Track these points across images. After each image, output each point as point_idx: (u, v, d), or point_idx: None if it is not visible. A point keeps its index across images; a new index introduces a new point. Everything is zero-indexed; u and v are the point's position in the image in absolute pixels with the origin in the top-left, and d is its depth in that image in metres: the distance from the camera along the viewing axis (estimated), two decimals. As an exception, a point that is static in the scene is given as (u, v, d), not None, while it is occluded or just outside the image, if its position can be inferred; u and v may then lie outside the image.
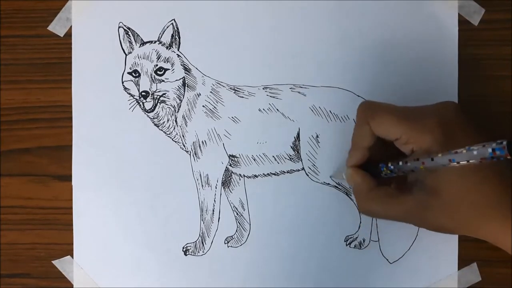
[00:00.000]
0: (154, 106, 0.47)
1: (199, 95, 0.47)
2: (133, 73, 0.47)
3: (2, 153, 0.49)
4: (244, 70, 0.48)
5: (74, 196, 0.48)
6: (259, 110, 0.47)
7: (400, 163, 0.39)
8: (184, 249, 0.48)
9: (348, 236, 0.47)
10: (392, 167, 0.40)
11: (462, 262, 0.47)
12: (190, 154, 0.48)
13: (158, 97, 0.47)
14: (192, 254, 0.48)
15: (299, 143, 0.47)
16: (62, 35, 0.49)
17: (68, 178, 0.49)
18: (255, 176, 0.48)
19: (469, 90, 0.47)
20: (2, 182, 0.49)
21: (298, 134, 0.47)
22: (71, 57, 0.49)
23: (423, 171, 0.38)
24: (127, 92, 0.48)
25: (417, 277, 0.47)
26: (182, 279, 0.48)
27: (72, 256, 0.49)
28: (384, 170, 0.40)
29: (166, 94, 0.47)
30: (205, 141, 0.48)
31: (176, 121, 0.48)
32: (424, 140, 0.38)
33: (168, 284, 0.48)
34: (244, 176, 0.48)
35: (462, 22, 0.47)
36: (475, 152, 0.33)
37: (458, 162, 0.34)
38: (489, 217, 0.37)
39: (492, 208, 0.37)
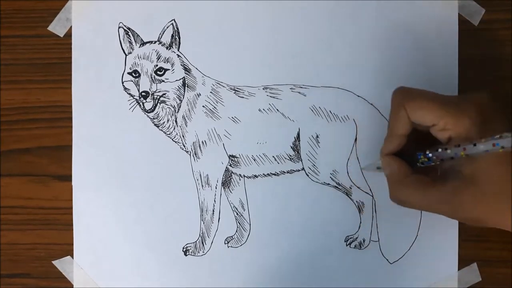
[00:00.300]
0: (154, 106, 0.47)
1: (199, 95, 0.47)
2: (133, 73, 0.47)
3: (2, 153, 0.49)
4: (244, 70, 0.48)
5: (74, 196, 0.48)
6: (259, 110, 0.47)
7: (440, 150, 0.38)
8: (184, 249, 0.48)
9: (348, 236, 0.47)
10: (430, 154, 0.39)
11: (462, 262, 0.47)
12: (190, 154, 0.48)
13: (158, 97, 0.47)
14: (192, 254, 0.48)
15: (299, 143, 0.47)
16: (62, 35, 0.49)
17: (68, 178, 0.49)
18: (255, 176, 0.48)
19: (469, 90, 0.47)
20: (2, 182, 0.49)
21: (298, 134, 0.47)
22: (71, 57, 0.48)
23: (459, 160, 0.37)
24: (127, 92, 0.48)
25: (417, 277, 0.47)
26: (182, 279, 0.48)
27: (72, 256, 0.49)
28: (422, 158, 0.40)
29: (166, 94, 0.47)
30: (205, 141, 0.48)
31: (176, 121, 0.48)
32: (462, 125, 0.38)
33: (168, 284, 0.48)
34: (244, 176, 0.48)
35: (462, 22, 0.47)
36: None
37: (502, 147, 0.34)
38: None
39: None
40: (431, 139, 0.40)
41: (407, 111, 0.39)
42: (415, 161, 0.40)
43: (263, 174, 0.48)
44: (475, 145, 0.36)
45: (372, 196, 0.47)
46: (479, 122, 0.37)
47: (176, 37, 0.48)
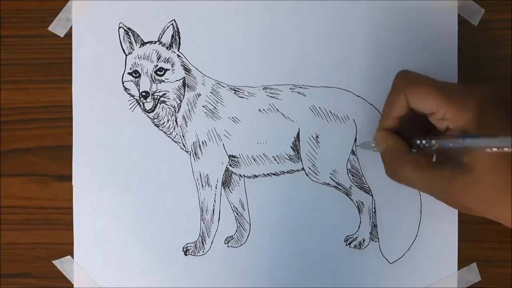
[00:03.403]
0: (154, 107, 0.47)
1: (199, 95, 0.47)
2: (133, 74, 0.47)
3: (2, 153, 0.49)
4: (244, 70, 0.48)
5: (74, 196, 0.48)
6: (259, 110, 0.47)
7: (443, 141, 0.39)
8: (184, 249, 0.48)
9: (348, 236, 0.47)
10: (433, 142, 0.39)
11: (462, 262, 0.47)
12: (190, 154, 0.48)
13: (158, 97, 0.47)
14: (192, 254, 0.48)
15: (299, 143, 0.47)
16: (62, 35, 0.49)
17: (68, 178, 0.49)
18: (255, 176, 0.48)
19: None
20: (2, 182, 0.49)
21: (298, 134, 0.47)
22: (71, 57, 0.48)
23: (458, 147, 0.38)
24: (127, 93, 0.48)
25: (417, 277, 0.47)
26: (182, 279, 0.48)
27: (72, 256, 0.49)
28: (422, 145, 0.40)
29: (166, 95, 0.47)
30: (205, 141, 0.48)
31: (176, 121, 0.48)
32: (461, 117, 0.38)
33: (168, 284, 0.48)
34: (244, 176, 0.48)
35: (462, 22, 0.47)
36: None
37: (499, 148, 0.35)
38: None
39: None
40: (427, 125, 0.41)
41: (407, 97, 0.40)
42: (410, 146, 0.41)
43: (263, 174, 0.48)
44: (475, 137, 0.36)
45: (372, 196, 0.47)
46: (478, 115, 0.38)
47: (176, 37, 0.48)
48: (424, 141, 0.40)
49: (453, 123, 0.38)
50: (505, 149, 0.34)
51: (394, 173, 0.41)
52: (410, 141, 0.41)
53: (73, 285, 0.49)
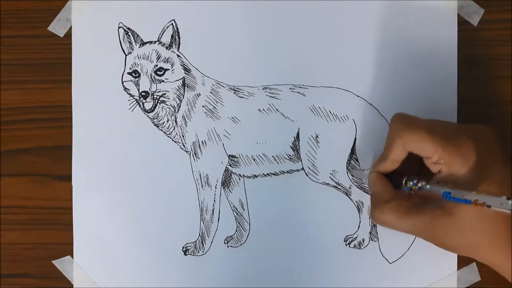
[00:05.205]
0: (154, 106, 0.47)
1: (199, 95, 0.48)
2: (133, 73, 0.47)
3: (2, 153, 0.49)
4: (244, 70, 0.48)
5: (74, 196, 0.48)
6: (259, 110, 0.47)
7: (429, 186, 0.39)
8: (184, 249, 0.48)
9: (347, 236, 0.47)
10: (419, 185, 0.40)
11: (462, 262, 0.47)
12: (190, 154, 0.48)
13: (158, 97, 0.47)
14: (192, 254, 0.48)
15: (298, 143, 0.47)
16: (62, 35, 0.49)
17: (68, 178, 0.49)
18: (255, 176, 0.48)
19: (468, 90, 0.47)
20: (2, 182, 0.49)
21: (298, 134, 0.47)
22: (71, 57, 0.49)
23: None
24: (127, 92, 0.48)
25: (417, 277, 0.47)
26: (182, 279, 0.48)
27: (72, 256, 0.49)
28: (413, 187, 0.40)
29: (166, 94, 0.47)
30: (205, 141, 0.48)
31: (176, 121, 0.48)
32: (454, 164, 0.38)
33: (168, 284, 0.48)
34: (244, 176, 0.48)
35: (462, 23, 0.47)
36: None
37: (488, 206, 0.36)
38: (497, 246, 0.39)
39: (502, 239, 0.38)
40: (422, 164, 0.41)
41: (403, 141, 0.40)
42: (400, 183, 0.41)
43: (263, 174, 0.48)
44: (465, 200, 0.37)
45: (372, 196, 0.47)
46: (474, 164, 0.38)
47: (176, 37, 0.48)
48: (412, 183, 0.40)
49: (445, 168, 0.39)
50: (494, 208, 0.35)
51: (376, 219, 0.41)
52: (400, 179, 0.41)
53: (73, 285, 0.49)
